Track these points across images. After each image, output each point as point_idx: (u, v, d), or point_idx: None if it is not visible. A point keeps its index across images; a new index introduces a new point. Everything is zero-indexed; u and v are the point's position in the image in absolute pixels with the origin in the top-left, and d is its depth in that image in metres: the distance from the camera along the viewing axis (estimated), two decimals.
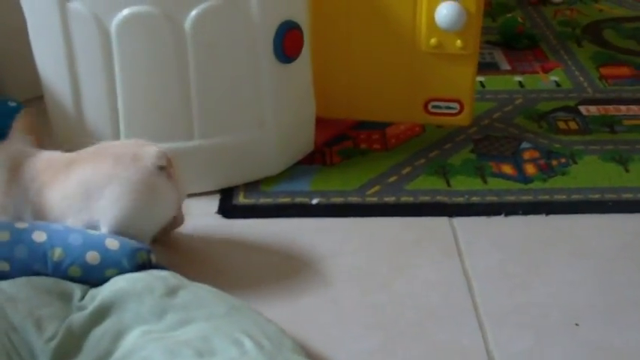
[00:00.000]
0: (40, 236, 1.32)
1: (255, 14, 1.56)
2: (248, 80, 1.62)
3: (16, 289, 1.24)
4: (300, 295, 1.43)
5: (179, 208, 1.49)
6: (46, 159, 1.44)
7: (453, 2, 1.66)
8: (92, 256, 1.31)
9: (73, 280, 1.31)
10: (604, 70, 2.21)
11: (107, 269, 1.31)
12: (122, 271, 1.30)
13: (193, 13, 1.52)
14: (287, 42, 1.62)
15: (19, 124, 1.66)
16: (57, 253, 1.31)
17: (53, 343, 1.16)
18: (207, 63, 1.57)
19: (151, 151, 1.38)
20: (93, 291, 1.28)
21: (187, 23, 1.52)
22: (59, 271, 1.31)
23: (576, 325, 1.35)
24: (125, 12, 1.51)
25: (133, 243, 1.33)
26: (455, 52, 1.73)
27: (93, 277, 1.31)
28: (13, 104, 1.84)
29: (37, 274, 1.30)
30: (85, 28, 1.53)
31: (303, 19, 1.65)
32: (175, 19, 1.52)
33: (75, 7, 1.52)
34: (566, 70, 2.21)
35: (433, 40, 1.71)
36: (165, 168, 1.39)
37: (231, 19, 1.55)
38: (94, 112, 1.61)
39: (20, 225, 1.34)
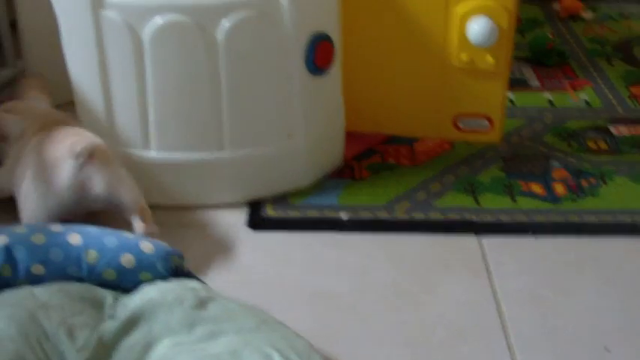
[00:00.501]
0: (75, 239, 1.32)
1: (287, 25, 1.56)
2: (279, 91, 1.62)
3: (49, 295, 1.24)
4: (328, 310, 1.42)
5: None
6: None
7: (485, 17, 1.65)
8: (127, 259, 1.31)
9: (107, 282, 1.31)
10: (635, 89, 2.19)
11: (141, 272, 1.31)
12: (156, 275, 1.31)
13: (226, 23, 1.52)
14: (318, 53, 1.61)
15: (30, 82, 1.71)
16: (92, 255, 1.31)
17: (84, 354, 1.15)
18: (239, 74, 1.57)
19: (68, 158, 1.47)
20: (124, 299, 1.27)
21: (220, 33, 1.52)
22: (94, 274, 1.31)
23: (606, 349, 1.33)
24: (158, 21, 1.51)
25: (167, 247, 1.34)
26: (486, 68, 1.72)
27: (127, 280, 1.31)
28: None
29: (72, 277, 1.30)
30: (118, 36, 1.53)
31: (334, 31, 1.65)
32: (208, 29, 1.52)
33: (108, 15, 1.52)
34: (595, 89, 2.19)
35: (464, 56, 1.70)
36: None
37: (263, 30, 1.55)
38: (125, 119, 1.61)
39: (55, 228, 1.35)
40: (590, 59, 2.37)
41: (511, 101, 2.09)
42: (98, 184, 1.49)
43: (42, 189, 1.49)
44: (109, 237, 1.34)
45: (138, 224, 1.52)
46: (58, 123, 1.59)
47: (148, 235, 1.50)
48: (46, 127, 1.57)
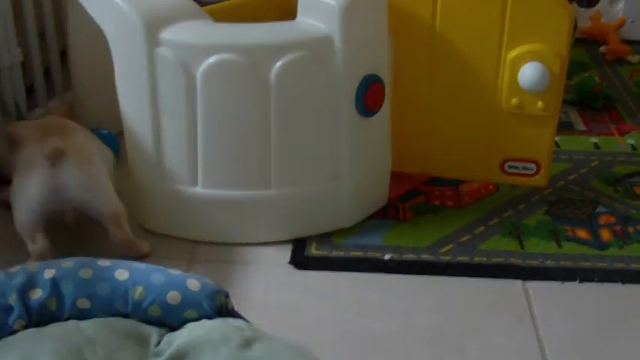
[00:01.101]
0: (122, 274, 1.33)
1: (339, 67, 1.57)
2: (328, 132, 1.62)
3: (95, 330, 1.24)
4: (371, 352, 1.41)
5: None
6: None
7: (537, 63, 1.65)
8: (173, 296, 1.31)
9: (152, 319, 1.31)
10: None
11: (187, 310, 1.31)
12: (201, 313, 1.30)
13: (279, 63, 1.53)
14: (369, 96, 1.62)
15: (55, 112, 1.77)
16: (138, 291, 1.31)
17: None
18: (289, 113, 1.58)
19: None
20: (169, 336, 1.27)
21: (272, 73, 1.54)
22: (139, 310, 1.31)
23: None
24: (212, 60, 1.52)
25: (213, 285, 1.34)
26: (535, 113, 1.71)
27: (172, 317, 1.31)
28: (105, 132, 1.91)
29: (117, 312, 1.30)
30: (171, 73, 1.55)
31: (385, 73, 1.66)
32: (260, 69, 1.53)
33: (163, 53, 1.54)
34: None
35: (514, 100, 1.70)
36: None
37: (315, 71, 1.57)
38: (173, 155, 1.63)
39: (103, 263, 1.36)
40: (636, 103, 2.36)
41: (557, 145, 2.08)
42: (70, 185, 1.54)
43: (21, 193, 1.56)
44: (156, 273, 1.34)
45: (112, 230, 1.57)
46: (61, 131, 1.65)
47: (122, 242, 1.57)
48: (47, 135, 1.61)
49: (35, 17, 2.03)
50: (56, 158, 1.54)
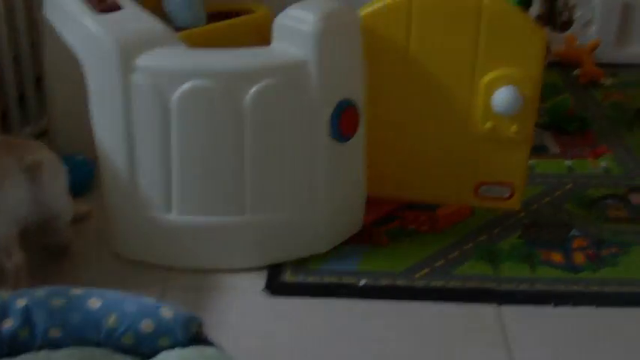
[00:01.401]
0: (95, 303, 1.32)
1: (314, 92, 1.57)
2: (302, 158, 1.63)
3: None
4: None
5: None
6: None
7: (510, 87, 1.66)
8: (146, 324, 1.30)
9: (125, 347, 1.30)
10: None
11: (160, 338, 1.30)
12: (175, 341, 1.30)
13: (253, 89, 1.53)
14: (344, 121, 1.62)
15: None
16: (111, 319, 1.30)
17: None
18: (263, 139, 1.58)
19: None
20: None
21: (247, 99, 1.54)
22: (112, 339, 1.30)
23: None
24: (186, 86, 1.52)
25: (187, 313, 1.33)
26: (509, 137, 1.72)
27: (145, 346, 1.30)
28: (80, 158, 1.91)
29: (90, 340, 1.29)
30: (145, 99, 1.55)
31: (360, 98, 1.66)
32: (235, 95, 1.54)
33: (137, 79, 1.54)
34: (616, 156, 2.19)
35: (488, 124, 1.71)
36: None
37: (290, 96, 1.57)
38: (148, 181, 1.62)
39: (75, 291, 1.35)
40: (610, 126, 2.38)
41: (531, 168, 2.09)
42: (47, 196, 1.59)
43: None
44: (129, 302, 1.33)
45: (61, 237, 1.66)
46: (24, 145, 1.65)
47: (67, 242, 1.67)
48: (11, 150, 1.61)
49: (10, 42, 2.02)
50: (36, 171, 1.56)
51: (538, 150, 2.20)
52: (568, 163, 2.16)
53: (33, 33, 2.08)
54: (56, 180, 1.63)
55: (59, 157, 1.71)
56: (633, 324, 1.56)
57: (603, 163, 2.16)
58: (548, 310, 1.59)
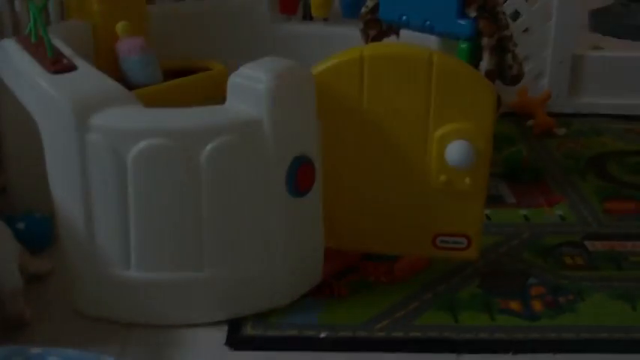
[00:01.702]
0: None
1: (269, 149, 1.59)
2: (259, 213, 1.63)
3: None
4: None
5: None
6: None
7: (462, 141, 1.69)
8: None
9: None
10: (608, 205, 2.23)
11: None
12: None
13: (209, 147, 1.55)
14: (299, 177, 1.64)
15: None
16: None
17: None
18: (220, 196, 1.59)
19: None
20: None
21: (202, 157, 1.55)
22: None
23: None
24: (142, 144, 1.54)
25: None
26: (463, 189, 1.75)
27: None
28: (38, 215, 1.92)
29: None
30: (101, 158, 1.55)
31: (314, 154, 1.68)
32: (191, 153, 1.55)
33: (92, 138, 1.55)
34: (570, 204, 2.23)
35: (443, 177, 1.73)
36: None
37: (245, 154, 1.58)
38: (106, 239, 1.62)
39: (35, 350, 1.34)
40: (564, 175, 2.42)
41: (488, 217, 2.12)
42: None
43: None
44: None
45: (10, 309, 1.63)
46: None
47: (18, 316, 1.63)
48: None
49: None
50: None
51: (494, 200, 2.23)
52: (524, 212, 2.19)
53: None
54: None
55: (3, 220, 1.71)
56: None
57: (558, 212, 2.19)
58: (507, 358, 1.60)
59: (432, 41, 2.05)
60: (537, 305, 1.76)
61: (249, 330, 1.66)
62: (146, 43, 2.16)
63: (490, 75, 2.00)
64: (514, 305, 1.76)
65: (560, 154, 2.58)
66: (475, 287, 1.82)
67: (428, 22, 2.02)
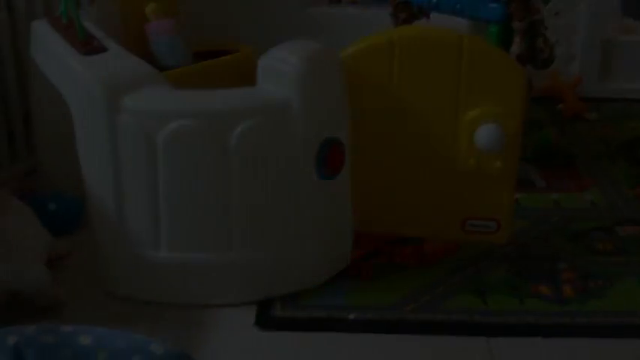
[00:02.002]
0: (85, 339, 1.32)
1: (298, 131, 1.59)
2: (289, 195, 1.64)
3: None
4: None
5: None
6: None
7: (493, 124, 1.68)
8: None
9: None
10: (639, 190, 2.21)
11: None
12: None
13: (239, 129, 1.55)
14: (329, 159, 1.64)
15: None
16: (102, 356, 1.31)
17: None
18: (250, 177, 1.60)
19: None
20: None
21: (232, 139, 1.56)
22: None
23: None
24: (172, 126, 1.54)
25: (177, 350, 1.34)
26: (493, 173, 1.74)
27: None
28: (68, 196, 1.93)
29: None
30: (132, 139, 1.57)
31: (344, 136, 1.68)
32: (221, 134, 1.56)
33: (123, 119, 1.56)
34: (600, 189, 2.21)
35: (472, 161, 1.73)
36: None
37: (275, 136, 1.59)
38: (136, 219, 1.63)
39: (65, 328, 1.35)
40: (595, 159, 2.40)
41: (517, 202, 2.11)
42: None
43: None
44: (120, 338, 1.33)
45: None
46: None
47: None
48: None
49: None
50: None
51: (524, 184, 2.22)
52: (554, 196, 2.18)
53: (20, 71, 2.09)
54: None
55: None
56: (619, 355, 1.56)
57: (589, 197, 2.18)
58: (536, 342, 1.60)
59: (462, 24, 2.04)
60: (567, 290, 1.75)
61: (278, 311, 1.67)
62: (175, 26, 2.16)
63: (521, 59, 1.99)
64: (544, 289, 1.75)
65: (591, 138, 2.56)
66: (504, 271, 1.82)
67: (459, 5, 2.02)
